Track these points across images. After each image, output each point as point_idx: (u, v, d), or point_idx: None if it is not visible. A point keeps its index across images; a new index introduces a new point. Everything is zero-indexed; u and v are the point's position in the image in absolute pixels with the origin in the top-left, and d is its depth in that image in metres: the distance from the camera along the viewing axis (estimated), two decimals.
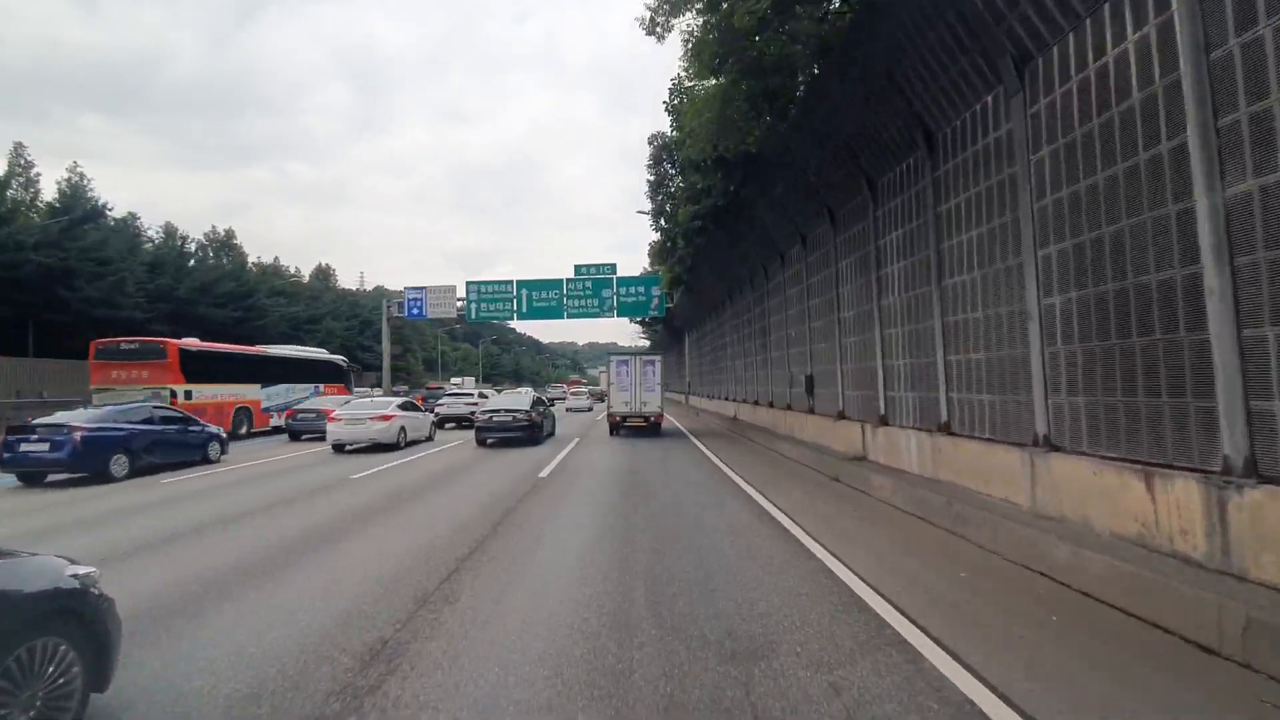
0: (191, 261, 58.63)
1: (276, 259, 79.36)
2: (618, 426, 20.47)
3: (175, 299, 48.29)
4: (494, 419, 17.75)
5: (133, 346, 22.06)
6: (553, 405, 26.18)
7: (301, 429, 21.47)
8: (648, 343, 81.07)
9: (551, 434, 20.86)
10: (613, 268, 40.91)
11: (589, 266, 41.05)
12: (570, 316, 40.62)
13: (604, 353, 32.39)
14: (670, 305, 40.05)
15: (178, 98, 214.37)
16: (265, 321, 57.40)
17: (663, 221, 22.04)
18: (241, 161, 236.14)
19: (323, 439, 18.25)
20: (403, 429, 17.74)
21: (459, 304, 41.09)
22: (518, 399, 19.80)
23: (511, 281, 40.98)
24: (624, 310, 40.54)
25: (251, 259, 73.71)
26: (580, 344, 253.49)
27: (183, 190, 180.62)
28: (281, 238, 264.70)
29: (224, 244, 71.86)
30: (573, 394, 50.15)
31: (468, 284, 41.02)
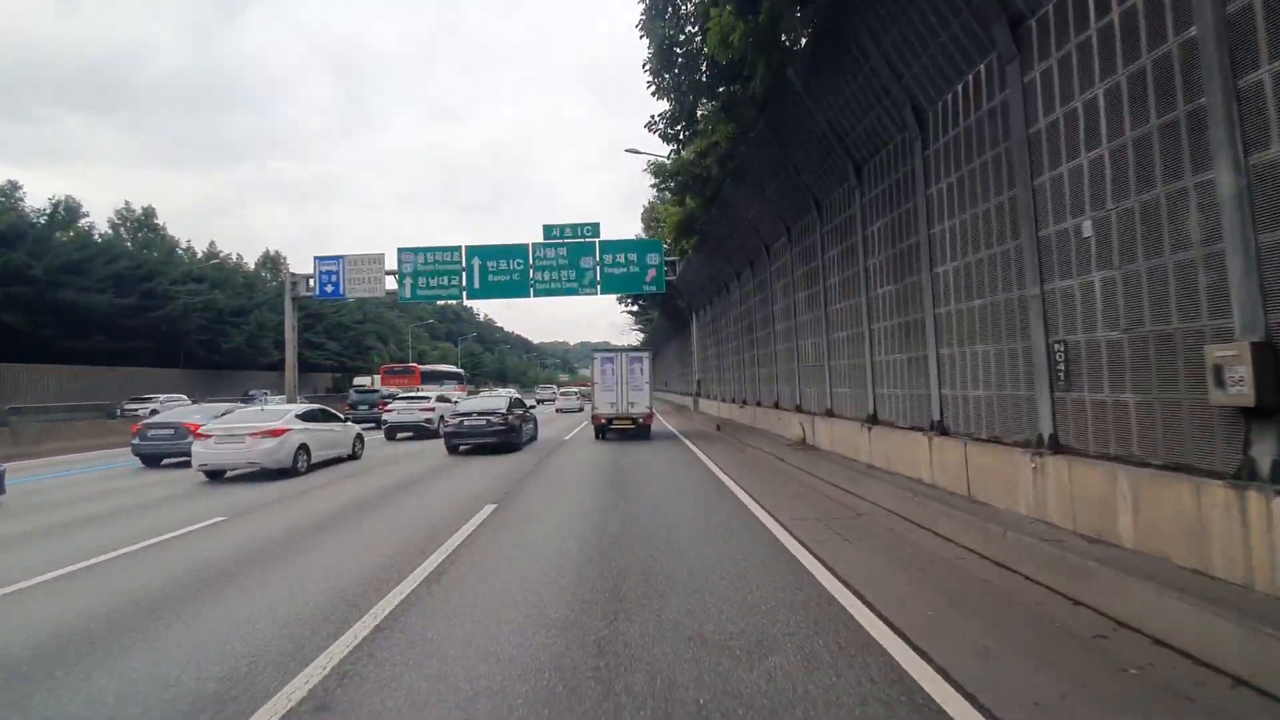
0: (92, 237, 47.42)
1: (212, 244, 68.03)
2: (603, 429, 19.03)
3: (32, 279, 37.28)
4: (465, 423, 16.13)
5: (399, 368, 45.78)
6: (534, 408, 23.76)
7: (155, 452, 16.17)
8: (642, 336, 70.78)
9: (533, 439, 19.21)
10: (595, 228, 30.49)
11: (563, 227, 30.61)
12: (539, 294, 30.22)
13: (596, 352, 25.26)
14: (671, 279, 29.63)
15: (159, 94, 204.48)
16: (170, 309, 46.45)
17: (670, 106, 11.72)
18: (226, 160, 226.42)
19: (189, 463, 13.68)
20: (302, 447, 13.59)
21: (389, 278, 30.49)
22: (493, 401, 18.02)
23: (459, 248, 30.49)
24: (610, 285, 30.15)
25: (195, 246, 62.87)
26: (571, 343, 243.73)
27: (166, 189, 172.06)
28: (267, 236, 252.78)
29: (142, 223, 60.87)
30: (562, 394, 46.78)
31: (400, 251, 30.48)
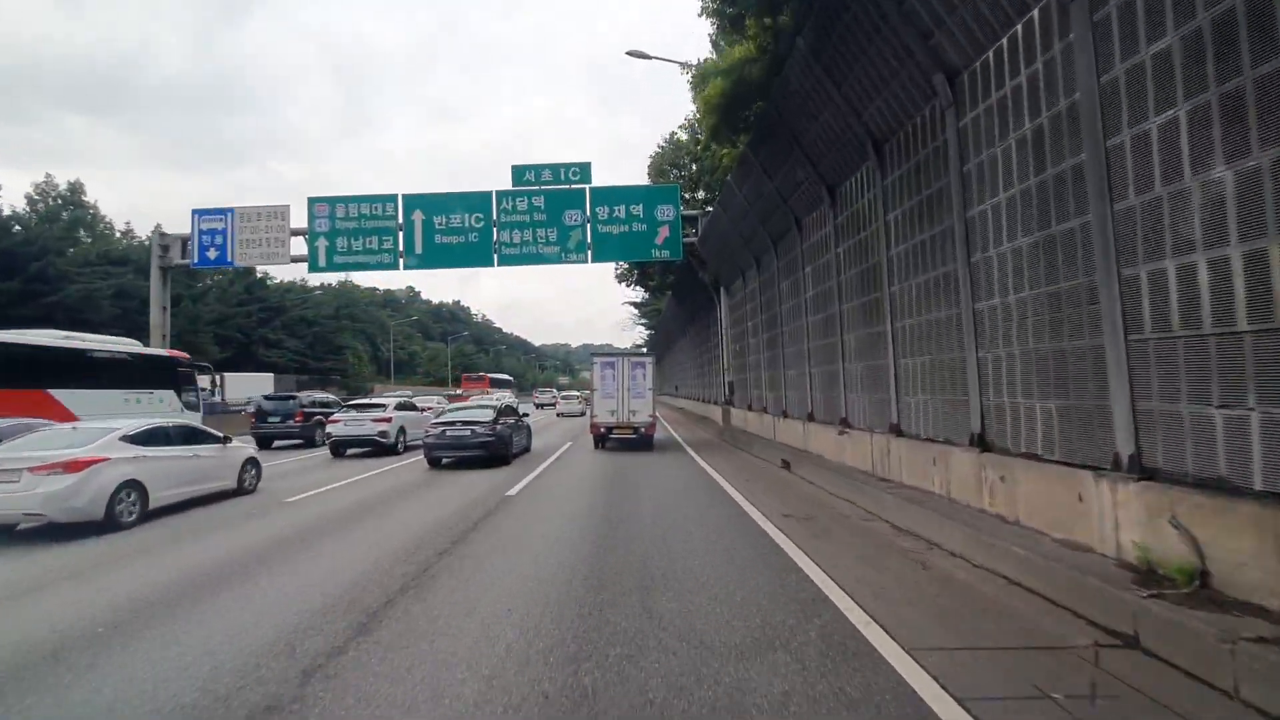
0: None
1: (158, 226, 58.71)
2: (603, 438, 17.25)
3: None
4: (448, 433, 14.25)
5: (476, 376, 74.86)
6: (527, 416, 20.70)
7: None
8: (647, 335, 61.79)
9: (526, 450, 16.87)
10: (584, 170, 22.01)
11: (539, 168, 22.05)
12: (506, 262, 21.78)
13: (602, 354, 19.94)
14: (690, 240, 21.03)
15: (159, 95, 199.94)
16: (66, 295, 37.79)
17: None
18: (226, 159, 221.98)
19: None
20: (129, 486, 9.15)
21: (296, 240, 21.83)
22: (480, 408, 16.28)
23: (394, 198, 21.97)
24: (606, 250, 21.70)
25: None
26: (573, 345, 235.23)
27: (167, 189, 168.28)
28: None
29: (68, 201, 52.39)
30: (563, 398, 43.67)
31: (311, 203, 21.89)
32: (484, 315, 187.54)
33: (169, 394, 17.82)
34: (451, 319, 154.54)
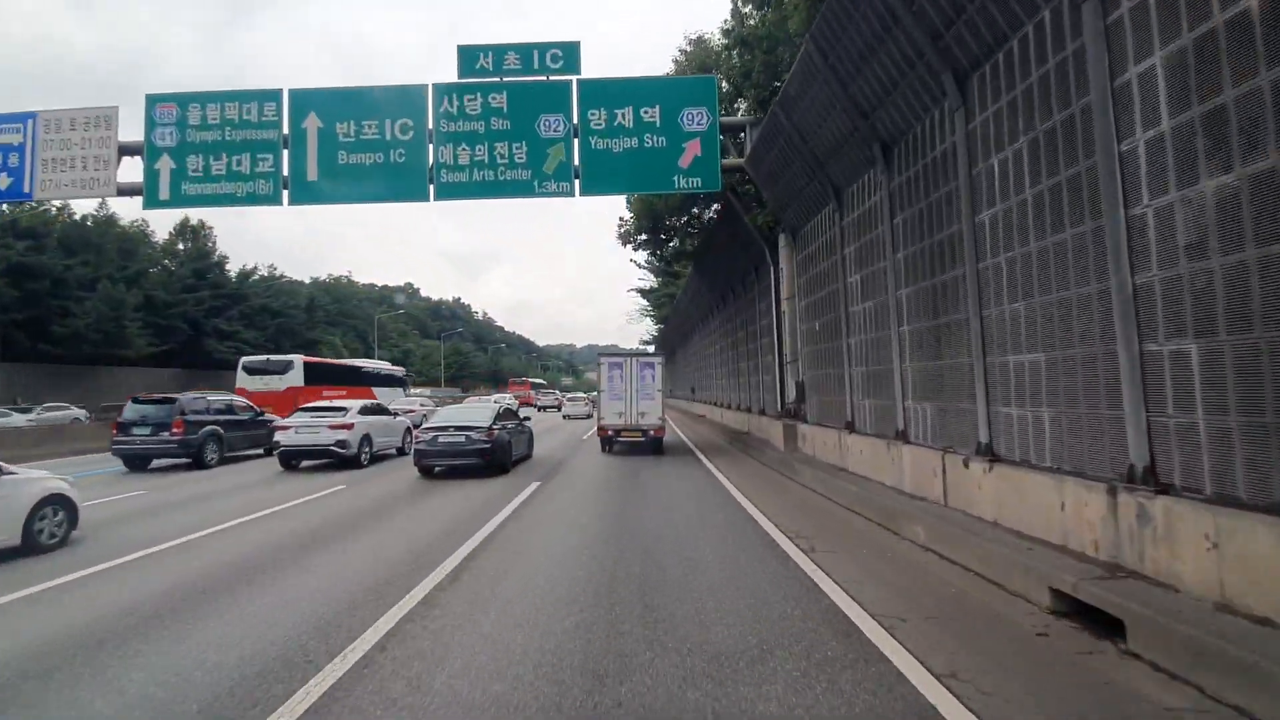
0: None
1: (102, 204, 51.57)
2: (610, 440, 16.91)
3: None
4: (440, 439, 13.30)
5: (520, 380, 78.82)
6: (529, 420, 18.71)
7: None
8: (651, 334, 54.04)
9: (526, 456, 15.72)
10: (569, 53, 14.23)
11: (500, 51, 14.25)
12: (447, 194, 14.22)
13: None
14: (734, 162, 13.46)
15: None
16: None
17: None
18: None
19: None
20: None
21: (129, 161, 14.18)
22: (475, 411, 15.08)
23: (277, 94, 14.20)
24: (601, 174, 14.13)
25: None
26: (578, 345, 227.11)
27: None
28: (267, 238, 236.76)
29: None
30: (569, 400, 42.79)
31: (151, 103, 14.13)
32: (485, 313, 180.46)
33: (399, 390, 34.09)
34: (451, 317, 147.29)
